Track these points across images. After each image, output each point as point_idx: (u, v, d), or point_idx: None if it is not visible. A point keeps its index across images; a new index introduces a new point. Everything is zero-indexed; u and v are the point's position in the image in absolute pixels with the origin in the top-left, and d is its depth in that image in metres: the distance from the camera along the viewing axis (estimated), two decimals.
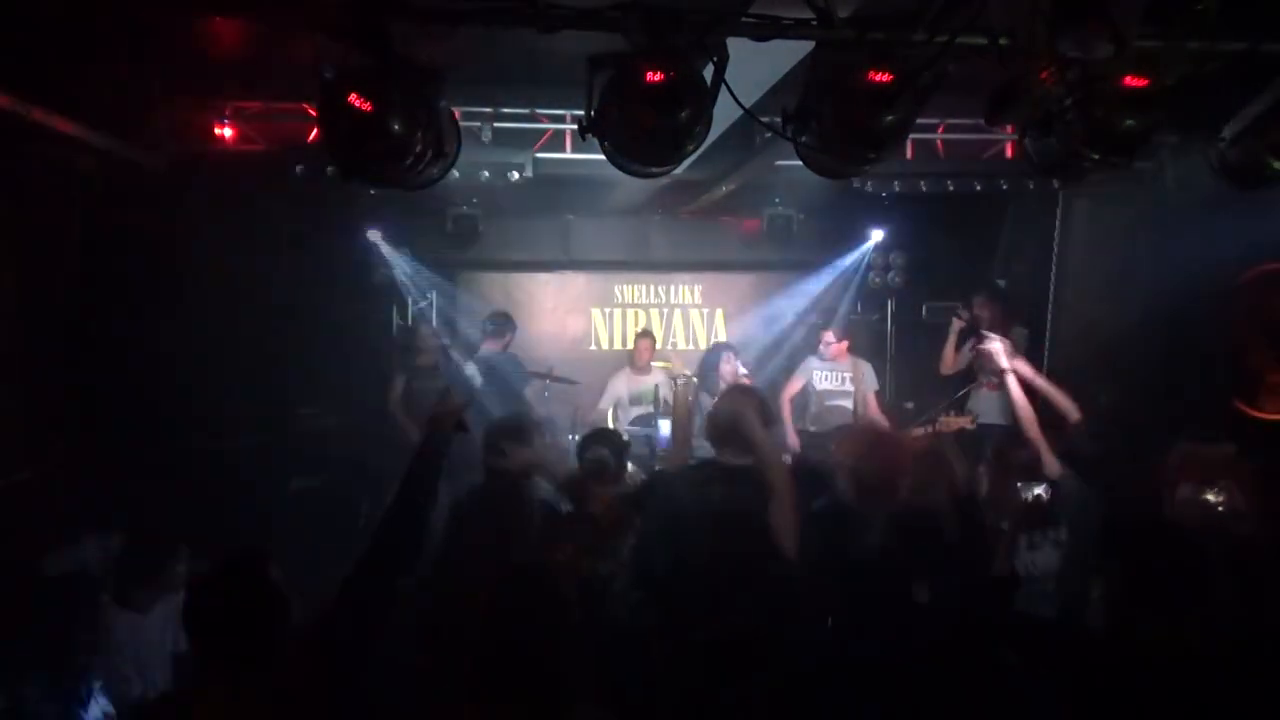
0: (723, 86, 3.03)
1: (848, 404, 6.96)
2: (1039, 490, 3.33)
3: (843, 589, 2.95)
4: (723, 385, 6.22)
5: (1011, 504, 3.40)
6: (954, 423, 6.05)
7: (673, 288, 8.96)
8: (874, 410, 6.94)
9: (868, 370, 7.11)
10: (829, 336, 7.08)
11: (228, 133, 6.01)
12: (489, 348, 6.98)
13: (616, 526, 3.38)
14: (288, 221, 6.88)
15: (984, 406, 6.68)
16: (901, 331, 8.94)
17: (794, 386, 7.10)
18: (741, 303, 8.94)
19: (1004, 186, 7.01)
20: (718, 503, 3.07)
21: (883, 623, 2.82)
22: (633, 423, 7.10)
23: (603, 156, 3.32)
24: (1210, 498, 3.50)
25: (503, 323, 7.08)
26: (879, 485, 3.17)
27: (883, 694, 2.71)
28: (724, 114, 3.24)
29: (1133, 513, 3.65)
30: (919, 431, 5.83)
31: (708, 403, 6.47)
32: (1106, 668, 2.41)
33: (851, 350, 7.20)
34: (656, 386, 7.18)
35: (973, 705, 2.72)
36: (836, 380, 7.02)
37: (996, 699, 3.29)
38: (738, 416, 3.16)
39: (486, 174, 6.12)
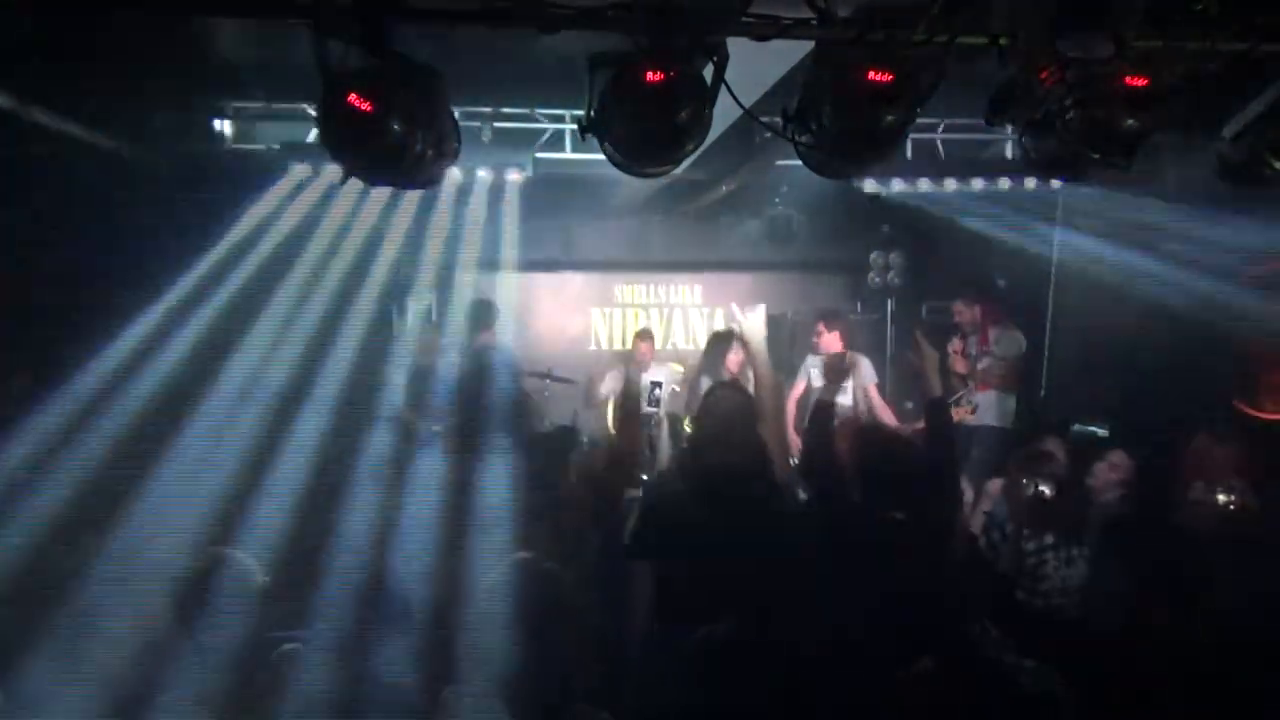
0: (723, 86, 3.03)
1: (844, 399, 6.94)
2: (1043, 486, 3.34)
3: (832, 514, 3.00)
4: (727, 375, 6.20)
5: (1017, 499, 3.41)
6: (954, 414, 6.08)
7: (673, 288, 8.96)
8: (875, 403, 6.93)
9: (865, 365, 7.09)
10: (820, 327, 7.08)
11: (228, 133, 6.01)
12: (483, 340, 7.00)
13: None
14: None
15: (981, 407, 6.70)
16: (901, 331, 8.94)
17: (797, 389, 7.09)
18: (742, 303, 8.92)
19: (1004, 186, 7.02)
20: (717, 501, 3.08)
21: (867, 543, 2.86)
22: None
23: (603, 156, 3.32)
24: (1220, 498, 3.50)
25: (485, 312, 7.06)
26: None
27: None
28: (724, 114, 3.24)
29: (1138, 513, 3.66)
30: (919, 426, 5.86)
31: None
32: (1119, 660, 2.42)
33: (848, 346, 7.18)
34: (653, 383, 7.12)
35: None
36: None
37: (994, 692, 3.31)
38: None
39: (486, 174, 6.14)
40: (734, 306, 4.14)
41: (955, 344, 7.22)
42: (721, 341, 6.44)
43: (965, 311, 7.12)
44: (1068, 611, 3.54)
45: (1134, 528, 2.73)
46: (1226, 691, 2.31)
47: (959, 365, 7.06)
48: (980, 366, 6.94)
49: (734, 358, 6.33)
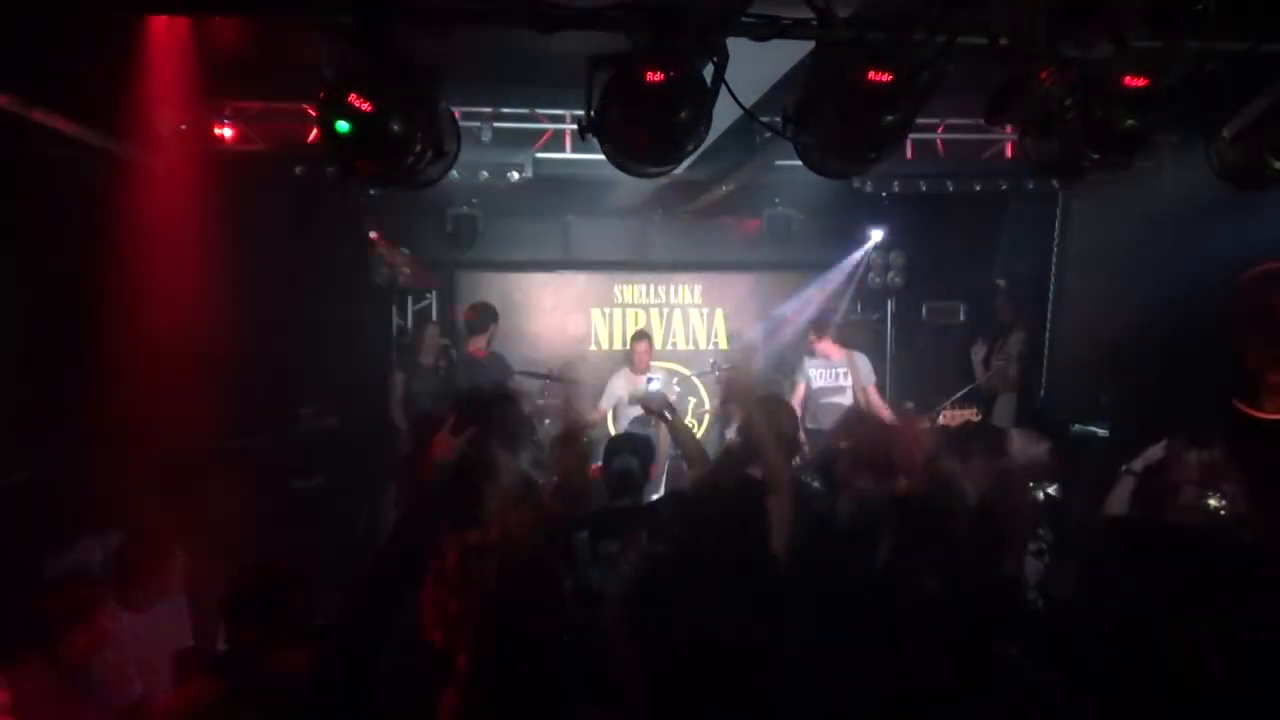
0: (723, 86, 3.03)
1: (843, 399, 6.96)
2: (1050, 490, 3.33)
3: (840, 580, 2.98)
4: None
5: (1024, 504, 3.39)
6: (958, 416, 6.06)
7: (673, 288, 8.97)
8: (875, 402, 6.94)
9: (863, 363, 7.10)
10: (810, 337, 7.12)
11: (228, 133, 6.01)
12: (474, 348, 7.05)
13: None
14: (288, 221, 6.88)
15: (998, 412, 6.70)
16: (901, 331, 8.96)
17: (798, 391, 7.10)
18: (741, 303, 8.95)
19: (1004, 186, 7.02)
20: (735, 511, 3.09)
21: (889, 612, 2.84)
22: (631, 424, 7.09)
23: (603, 156, 3.32)
24: (1212, 503, 3.49)
25: (482, 318, 7.10)
26: (873, 466, 3.28)
27: (885, 690, 2.72)
28: (724, 114, 3.24)
29: (1143, 518, 3.64)
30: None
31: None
32: (1122, 669, 2.42)
33: (845, 345, 7.20)
34: (649, 380, 7.13)
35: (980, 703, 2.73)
36: (831, 377, 7.02)
37: (1003, 697, 3.30)
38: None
39: (486, 174, 6.12)
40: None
41: (980, 348, 7.20)
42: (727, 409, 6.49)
43: (1008, 308, 7.15)
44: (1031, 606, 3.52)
45: (1130, 531, 2.73)
46: (1223, 693, 2.31)
47: (983, 375, 7.06)
48: (1015, 370, 6.95)
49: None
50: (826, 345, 7.05)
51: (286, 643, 2.23)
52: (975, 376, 7.12)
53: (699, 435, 7.96)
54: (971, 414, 6.09)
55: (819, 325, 7.17)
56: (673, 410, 4.24)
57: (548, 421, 7.24)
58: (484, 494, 2.94)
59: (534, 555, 2.84)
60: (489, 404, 3.49)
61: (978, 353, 7.20)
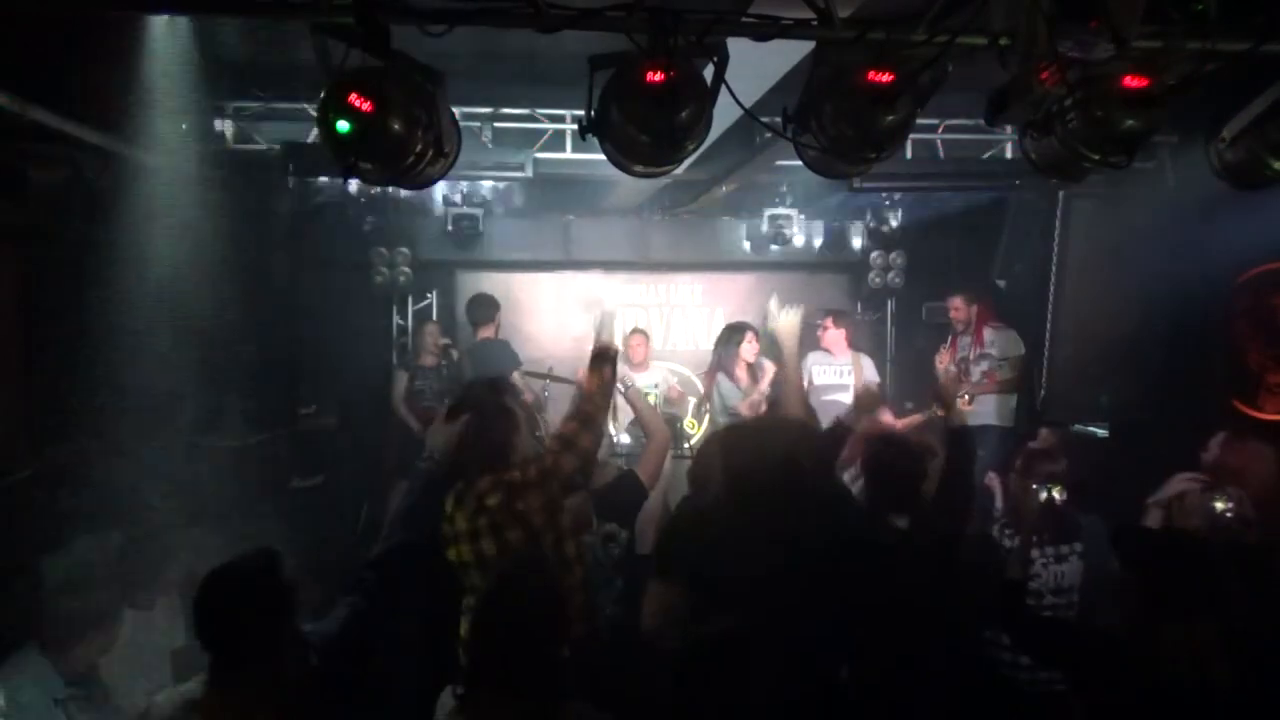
0: (723, 86, 3.03)
1: (845, 397, 6.95)
2: (1053, 491, 3.32)
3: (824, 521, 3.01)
4: (739, 369, 6.22)
5: (1028, 506, 3.39)
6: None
7: (673, 288, 8.97)
8: None
9: (867, 364, 7.10)
10: (827, 322, 7.07)
11: (228, 132, 6.01)
12: (482, 335, 7.13)
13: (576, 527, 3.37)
14: (288, 221, 6.88)
15: (981, 408, 6.70)
16: (901, 331, 8.96)
17: None
18: (741, 303, 8.95)
19: (1004, 187, 7.01)
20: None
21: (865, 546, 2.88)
22: (632, 423, 7.10)
23: (603, 156, 3.32)
24: (1218, 505, 3.48)
25: (486, 307, 7.20)
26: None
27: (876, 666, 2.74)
28: (724, 114, 3.24)
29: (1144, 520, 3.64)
30: (917, 418, 5.91)
31: (724, 384, 6.40)
32: (1125, 670, 2.42)
33: (852, 345, 7.18)
34: (655, 386, 7.18)
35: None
36: (834, 374, 7.01)
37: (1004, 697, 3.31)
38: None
39: (486, 174, 6.14)
40: (772, 302, 4.14)
41: (942, 355, 7.20)
42: (735, 333, 6.40)
43: (962, 309, 7.09)
44: (1064, 611, 3.52)
45: (1133, 533, 2.73)
46: (1229, 698, 2.31)
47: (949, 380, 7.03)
48: (981, 369, 6.92)
49: (748, 348, 6.30)
50: (836, 338, 7.02)
51: (283, 640, 2.22)
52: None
53: (698, 433, 7.96)
54: (963, 404, 6.10)
55: (837, 315, 7.14)
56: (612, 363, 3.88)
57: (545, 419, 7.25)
58: (513, 444, 3.06)
59: (531, 554, 2.85)
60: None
61: (941, 360, 7.19)
